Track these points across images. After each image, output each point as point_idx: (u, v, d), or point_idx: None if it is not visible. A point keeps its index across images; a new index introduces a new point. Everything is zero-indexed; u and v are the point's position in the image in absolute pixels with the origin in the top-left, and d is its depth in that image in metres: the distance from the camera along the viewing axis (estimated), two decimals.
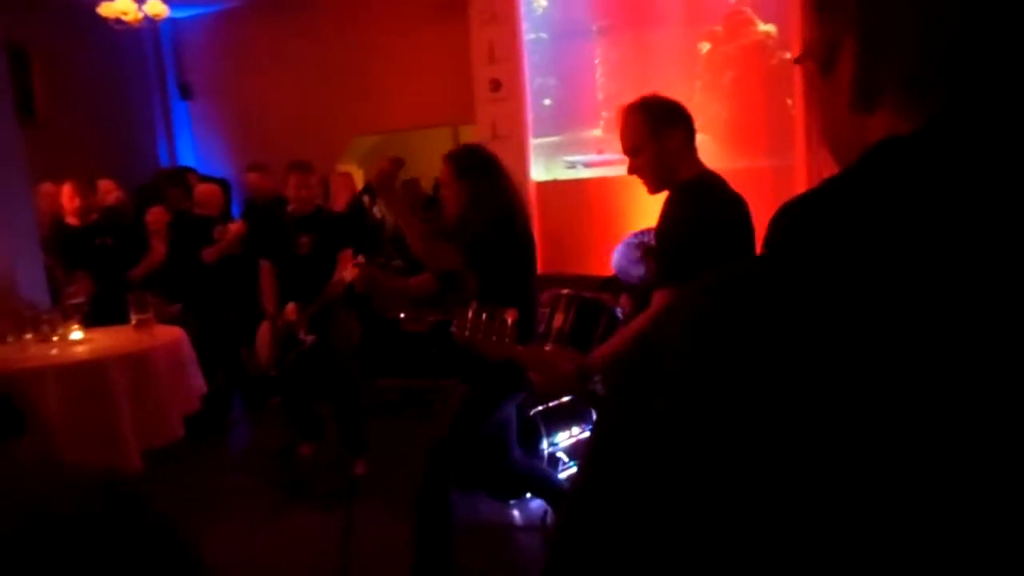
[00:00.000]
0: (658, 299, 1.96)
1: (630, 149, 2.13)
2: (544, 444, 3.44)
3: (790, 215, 0.50)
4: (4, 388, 2.64)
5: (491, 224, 2.53)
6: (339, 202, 5.41)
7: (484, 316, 2.10)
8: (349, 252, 3.81)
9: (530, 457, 3.20)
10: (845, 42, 0.52)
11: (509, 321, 2.10)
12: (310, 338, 3.84)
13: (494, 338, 2.08)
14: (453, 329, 2.16)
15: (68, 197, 4.38)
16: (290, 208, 3.99)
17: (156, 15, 5.80)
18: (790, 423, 0.42)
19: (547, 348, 2.92)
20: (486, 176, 2.61)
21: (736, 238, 1.99)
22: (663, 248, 2.02)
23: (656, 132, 2.07)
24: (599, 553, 0.47)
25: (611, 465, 0.48)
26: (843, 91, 0.53)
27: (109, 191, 5.31)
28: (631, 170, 2.15)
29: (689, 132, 2.12)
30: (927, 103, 0.48)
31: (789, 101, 4.96)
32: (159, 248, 4.73)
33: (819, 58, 0.55)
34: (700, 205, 1.99)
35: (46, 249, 4.04)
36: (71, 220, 4.42)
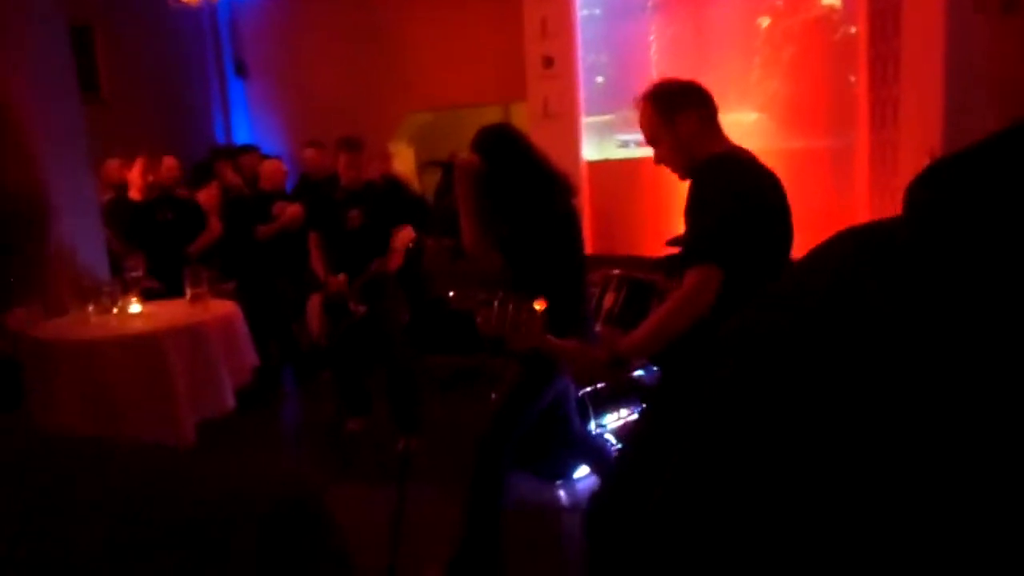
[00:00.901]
0: (690, 279, 1.89)
1: (649, 140, 2.11)
2: (592, 425, 3.42)
3: (962, 171, 0.42)
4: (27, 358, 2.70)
5: (522, 218, 2.50)
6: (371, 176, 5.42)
7: (510, 307, 2.05)
8: (407, 229, 3.89)
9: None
10: None
11: (539, 310, 2.05)
12: (361, 308, 3.89)
13: (522, 330, 2.04)
14: (478, 322, 2.11)
15: (138, 173, 4.50)
16: (343, 184, 4.04)
17: None
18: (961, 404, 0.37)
19: (597, 329, 2.90)
20: (509, 160, 2.57)
21: (765, 213, 1.94)
22: (691, 228, 1.96)
23: (668, 119, 2.04)
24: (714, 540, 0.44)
25: (730, 442, 0.45)
26: None
27: (171, 168, 5.44)
28: (657, 160, 2.12)
29: (704, 111, 2.07)
30: None
31: (852, 78, 4.77)
32: (215, 225, 4.83)
33: None
34: (724, 181, 1.94)
35: (107, 223, 4.16)
36: (134, 195, 4.54)
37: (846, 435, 0.40)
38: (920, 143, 3.98)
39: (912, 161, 4.07)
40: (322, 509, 0.47)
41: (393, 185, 5.08)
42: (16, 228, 0.46)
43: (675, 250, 2.05)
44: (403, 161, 7.21)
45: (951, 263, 0.40)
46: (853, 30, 4.73)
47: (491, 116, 6.92)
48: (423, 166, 5.75)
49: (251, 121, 7.86)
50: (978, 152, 0.42)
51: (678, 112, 2.04)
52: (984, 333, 0.38)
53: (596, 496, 2.26)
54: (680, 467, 0.50)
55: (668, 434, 2.01)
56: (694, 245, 1.93)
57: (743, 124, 5.11)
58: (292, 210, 4.93)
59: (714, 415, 0.47)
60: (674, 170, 2.10)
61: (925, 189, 0.44)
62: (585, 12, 5.58)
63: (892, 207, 4.41)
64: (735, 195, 1.91)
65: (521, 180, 2.55)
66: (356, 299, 3.91)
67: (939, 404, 0.38)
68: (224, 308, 3.43)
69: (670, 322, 1.89)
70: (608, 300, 3.32)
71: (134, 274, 3.45)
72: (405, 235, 3.93)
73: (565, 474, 3.49)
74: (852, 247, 0.46)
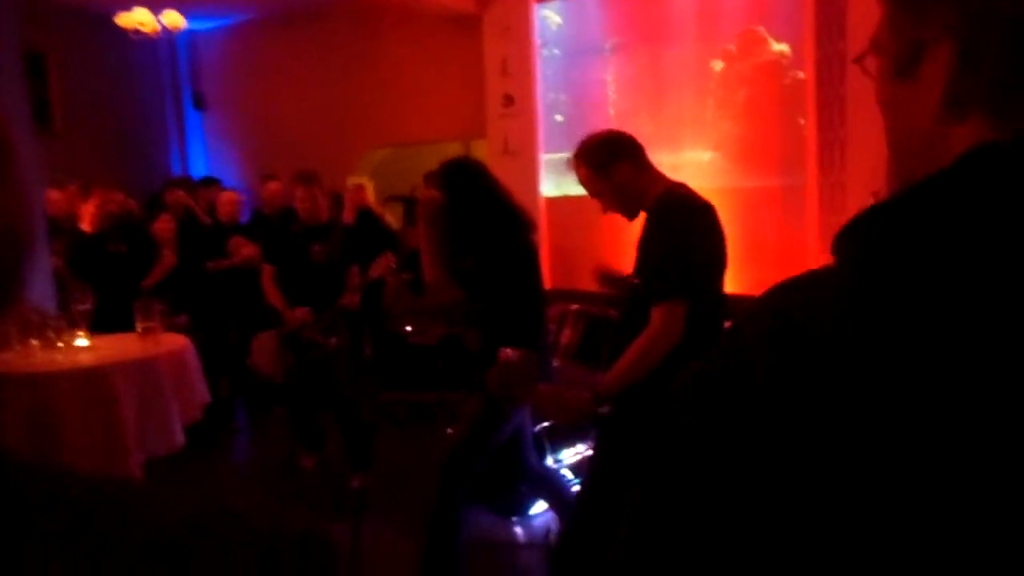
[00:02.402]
0: (657, 316, 1.98)
1: (592, 195, 2.21)
2: (549, 460, 3.41)
3: (877, 224, 0.48)
4: None
5: (482, 253, 2.53)
6: (348, 213, 5.42)
7: (507, 363, 2.23)
8: (388, 256, 3.96)
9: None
10: (937, 46, 0.49)
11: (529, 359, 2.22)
12: (332, 340, 3.84)
13: (523, 380, 2.21)
14: (488, 383, 2.31)
15: (91, 205, 4.41)
16: (300, 218, 4.02)
17: (173, 26, 5.86)
18: (900, 437, 0.41)
19: (555, 363, 2.91)
20: (471, 194, 2.60)
21: (713, 243, 2.08)
22: (655, 267, 2.05)
23: (604, 174, 2.14)
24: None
25: (693, 482, 0.47)
26: (928, 97, 0.50)
27: (122, 200, 5.34)
28: (604, 211, 2.23)
29: (634, 157, 2.17)
30: (1021, 113, 0.47)
31: (801, 121, 4.94)
32: (169, 256, 4.75)
33: (896, 59, 0.52)
34: (677, 218, 2.05)
35: (56, 254, 4.05)
36: (85, 227, 4.44)
37: (804, 478, 0.43)
38: (866, 183, 4.13)
39: (859, 200, 4.21)
40: (332, 543, 0.46)
41: (367, 218, 5.08)
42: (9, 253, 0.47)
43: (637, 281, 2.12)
44: (369, 194, 7.21)
45: (884, 303, 0.44)
46: (801, 75, 4.91)
47: (451, 152, 6.96)
48: (384, 201, 5.75)
49: (208, 154, 7.79)
50: (889, 209, 0.48)
51: (610, 165, 2.14)
52: (922, 363, 0.41)
53: (561, 535, 2.27)
54: (642, 508, 0.52)
55: (624, 470, 2.05)
56: (660, 282, 2.01)
57: (698, 163, 5.24)
58: (247, 251, 4.90)
59: (677, 464, 0.50)
60: (623, 214, 2.21)
61: (849, 245, 0.49)
62: (545, 52, 5.69)
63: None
64: (689, 231, 2.02)
65: (483, 214, 2.57)
66: (323, 333, 3.87)
67: (888, 439, 0.41)
68: (176, 342, 3.36)
69: (645, 358, 1.98)
70: (566, 335, 3.34)
71: (82, 307, 3.36)
72: (384, 262, 3.93)
73: (522, 510, 3.46)
74: (796, 294, 0.50)
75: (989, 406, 0.40)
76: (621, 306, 2.24)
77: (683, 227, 2.02)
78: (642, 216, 2.16)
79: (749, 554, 0.44)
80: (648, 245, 2.08)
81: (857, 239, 0.49)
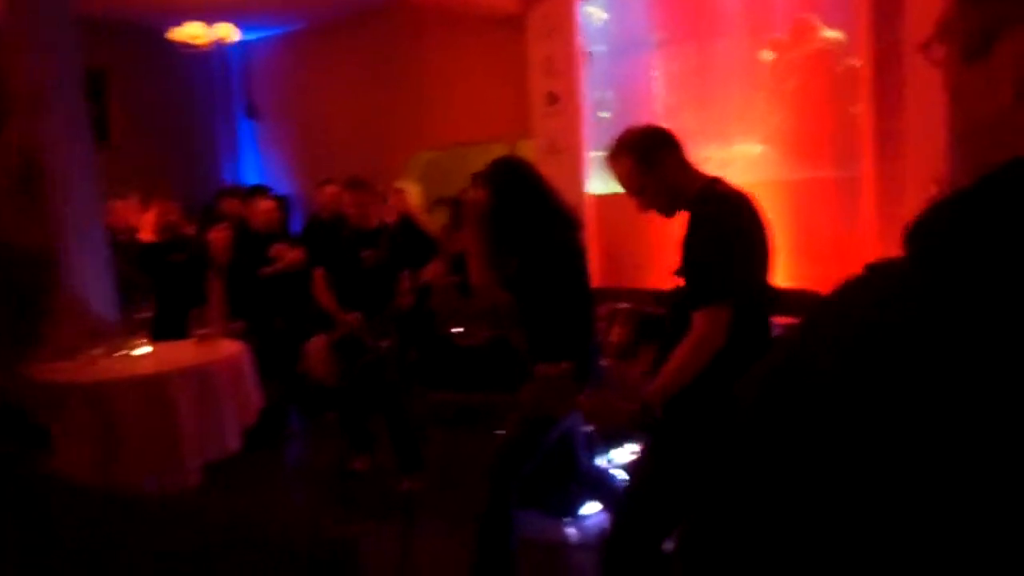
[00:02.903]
0: (701, 320, 1.95)
1: (632, 191, 2.14)
2: (601, 460, 3.38)
3: (957, 214, 0.46)
4: (38, 402, 2.70)
5: (527, 254, 2.51)
6: (391, 217, 5.47)
7: (544, 380, 2.22)
8: (439, 261, 3.96)
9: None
10: (1012, 28, 0.48)
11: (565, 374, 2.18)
12: (384, 342, 3.88)
13: (559, 397, 2.18)
14: (523, 401, 2.34)
15: (150, 215, 4.56)
16: (350, 223, 4.07)
17: (225, 38, 5.99)
18: (969, 436, 0.40)
19: (604, 363, 2.88)
20: (518, 195, 2.57)
21: (754, 238, 2.04)
22: (697, 269, 2.01)
23: (650, 166, 2.08)
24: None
25: (763, 483, 0.47)
26: (1002, 79, 0.49)
27: (177, 210, 5.50)
28: (642, 208, 2.16)
29: (677, 150, 2.12)
30: None
31: (855, 109, 4.79)
32: (296, 252, 4.94)
33: (967, 42, 0.51)
34: (717, 216, 2.01)
35: (120, 264, 4.18)
36: (145, 236, 4.58)
37: (894, 471, 0.42)
38: (926, 173, 3.98)
39: (918, 191, 4.07)
40: (356, 553, 0.48)
41: (408, 224, 5.12)
42: (32, 283, 0.49)
43: (681, 281, 2.08)
44: (411, 199, 7.27)
45: (959, 299, 0.42)
46: (855, 63, 4.76)
47: (498, 153, 6.94)
48: (432, 204, 5.78)
49: (261, 162, 7.96)
50: (965, 199, 0.45)
51: (657, 154, 2.09)
52: (997, 360, 0.40)
53: (608, 538, 2.24)
54: (712, 507, 0.51)
55: (674, 474, 2.03)
56: (703, 285, 1.97)
57: (749, 156, 5.13)
58: (292, 255, 4.98)
59: (745, 466, 0.49)
60: (661, 212, 2.16)
61: (925, 237, 0.47)
62: (590, 49, 5.64)
63: (899, 236, 4.42)
64: (729, 229, 1.98)
65: (529, 215, 2.55)
66: (376, 336, 3.91)
67: (969, 436, 0.40)
68: (232, 349, 3.43)
69: (690, 363, 1.95)
70: (615, 334, 3.31)
71: (142, 316, 3.46)
72: (434, 268, 3.96)
73: (574, 510, 3.43)
74: (866, 292, 0.49)
75: None
76: (668, 306, 2.20)
77: (724, 225, 1.99)
78: (683, 215, 2.11)
79: (823, 552, 0.44)
80: (690, 245, 2.04)
81: (935, 231, 0.46)
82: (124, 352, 3.30)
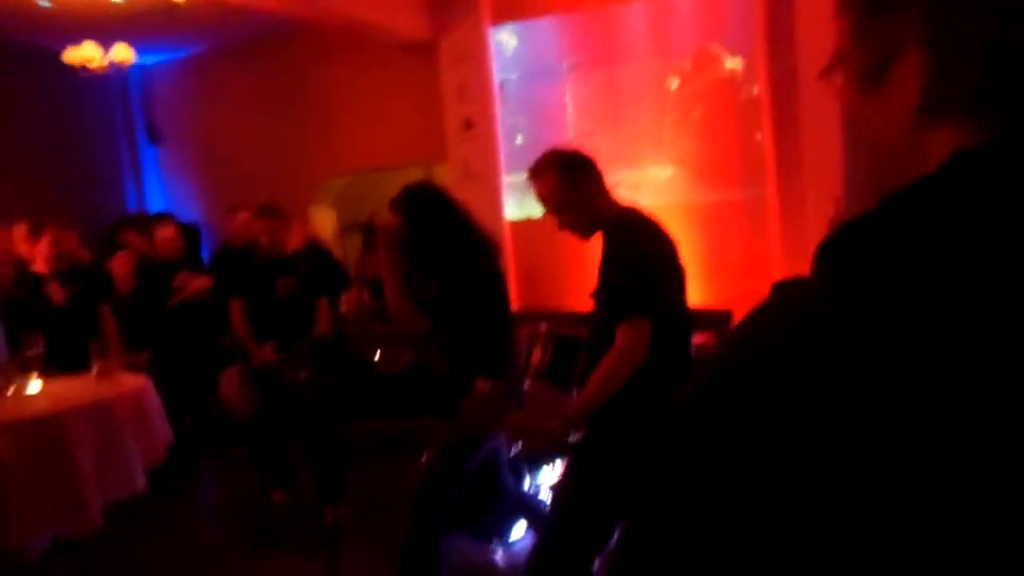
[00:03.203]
0: (621, 335, 1.98)
1: (555, 208, 2.17)
2: (527, 483, 3.36)
3: (862, 236, 0.47)
4: None
5: (446, 279, 2.50)
6: (296, 243, 5.36)
7: (481, 396, 2.27)
8: (353, 292, 3.85)
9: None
10: (907, 52, 0.49)
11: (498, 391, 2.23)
12: (303, 374, 3.76)
13: (493, 414, 2.23)
14: (462, 417, 2.34)
15: (44, 243, 4.29)
16: (263, 252, 3.96)
17: (123, 61, 5.76)
18: (893, 449, 0.41)
19: (526, 385, 2.88)
20: (432, 220, 2.56)
21: (668, 256, 2.14)
22: (616, 286, 2.05)
23: (577, 183, 2.13)
24: None
25: (693, 498, 0.47)
26: (900, 104, 0.50)
27: (73, 238, 5.22)
28: (561, 226, 2.20)
29: (598, 173, 2.18)
30: (997, 116, 0.47)
31: (758, 135, 5.01)
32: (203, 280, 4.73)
33: (863, 69, 0.52)
34: (638, 238, 2.08)
35: (6, 297, 3.92)
36: (39, 267, 4.31)
37: (825, 482, 0.42)
38: (824, 193, 4.19)
39: (819, 210, 4.27)
40: None
41: (318, 252, 5.02)
42: None
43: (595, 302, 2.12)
44: (325, 225, 7.12)
45: (877, 314, 0.44)
46: (756, 90, 4.99)
47: (413, 178, 6.92)
48: (346, 229, 5.69)
49: (165, 188, 7.66)
50: (876, 218, 0.47)
51: (584, 177, 2.14)
52: (919, 375, 0.41)
53: (532, 559, 2.22)
54: (639, 536, 0.51)
55: (598, 492, 2.04)
56: (623, 301, 2.01)
57: (659, 179, 5.28)
58: (197, 283, 4.82)
59: (675, 490, 0.49)
60: (578, 233, 2.20)
61: (835, 255, 0.49)
62: (502, 75, 5.71)
63: (802, 252, 4.59)
64: (649, 251, 2.07)
65: (445, 240, 2.53)
66: (294, 367, 3.79)
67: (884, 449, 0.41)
68: (134, 383, 3.26)
69: (613, 378, 1.97)
70: (536, 356, 3.32)
71: (32, 352, 3.24)
72: (351, 298, 3.87)
73: (501, 534, 3.40)
74: (787, 309, 0.50)
75: (980, 419, 0.40)
76: (589, 327, 2.23)
77: (640, 246, 2.06)
78: (598, 239, 2.17)
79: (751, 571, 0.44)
80: (609, 265, 2.09)
81: (844, 250, 0.48)
82: (12, 391, 3.08)
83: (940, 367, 0.40)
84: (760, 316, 0.50)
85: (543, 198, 2.18)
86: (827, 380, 0.42)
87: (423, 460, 2.65)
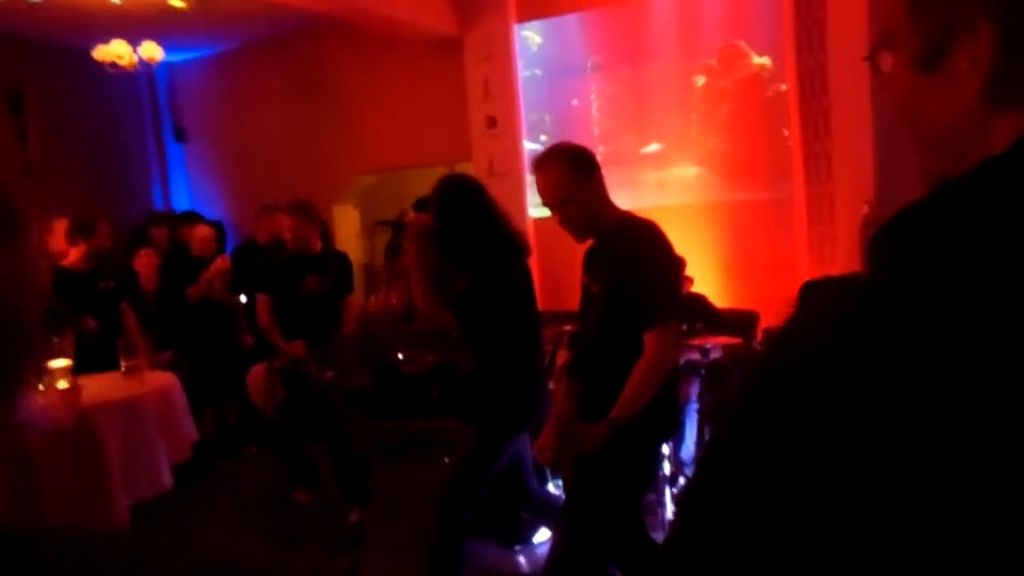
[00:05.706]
0: (654, 341, 1.98)
1: (559, 201, 2.12)
2: (551, 486, 3.34)
3: (926, 223, 0.45)
4: None
5: (477, 275, 2.48)
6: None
7: None
8: (381, 292, 3.87)
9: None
10: (972, 28, 0.46)
11: None
12: (328, 374, 3.76)
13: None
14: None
15: (71, 241, 4.32)
16: (290, 249, 3.95)
17: (151, 59, 5.80)
18: (956, 443, 0.39)
19: (552, 386, 2.86)
20: (466, 215, 2.54)
21: (676, 262, 2.20)
22: (642, 293, 2.03)
23: (582, 180, 2.10)
24: None
25: (746, 508, 0.45)
26: (960, 87, 0.47)
27: (109, 235, 5.27)
28: (560, 221, 2.16)
29: (601, 174, 2.16)
30: None
31: (785, 132, 4.94)
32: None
33: (919, 49, 0.49)
34: (653, 241, 2.08)
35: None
36: (71, 264, 4.34)
37: (887, 482, 0.41)
38: (854, 193, 4.12)
39: (847, 210, 4.20)
40: None
41: (336, 253, 5.03)
42: (8, 346, 0.41)
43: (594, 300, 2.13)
44: (349, 223, 7.14)
45: (934, 303, 0.42)
46: (783, 87, 4.92)
47: (436, 177, 6.91)
48: (371, 227, 5.69)
49: (191, 186, 7.72)
50: (931, 205, 0.45)
51: (590, 172, 2.11)
52: (978, 359, 0.39)
53: (552, 557, 2.23)
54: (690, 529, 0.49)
55: (617, 492, 2.07)
56: (656, 306, 2.01)
57: (684, 178, 5.23)
58: (217, 263, 4.84)
59: (727, 492, 0.47)
60: (576, 231, 2.16)
61: (889, 243, 0.46)
62: (527, 73, 5.69)
63: (830, 254, 4.50)
64: (664, 256, 2.08)
65: (480, 233, 2.50)
66: (320, 366, 3.79)
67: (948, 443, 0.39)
68: (161, 380, 3.28)
69: (650, 381, 1.98)
70: (561, 357, 3.29)
71: (61, 353, 3.27)
72: (378, 298, 3.88)
73: (525, 538, 3.38)
74: (839, 305, 0.47)
75: None
76: (585, 315, 2.20)
77: (659, 249, 2.07)
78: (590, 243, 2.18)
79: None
80: (630, 271, 2.06)
81: (907, 238, 0.45)
82: (44, 388, 3.11)
83: (1014, 367, 0.38)
84: (809, 315, 0.48)
85: (547, 190, 2.14)
86: (898, 378, 0.40)
87: (447, 461, 2.63)
